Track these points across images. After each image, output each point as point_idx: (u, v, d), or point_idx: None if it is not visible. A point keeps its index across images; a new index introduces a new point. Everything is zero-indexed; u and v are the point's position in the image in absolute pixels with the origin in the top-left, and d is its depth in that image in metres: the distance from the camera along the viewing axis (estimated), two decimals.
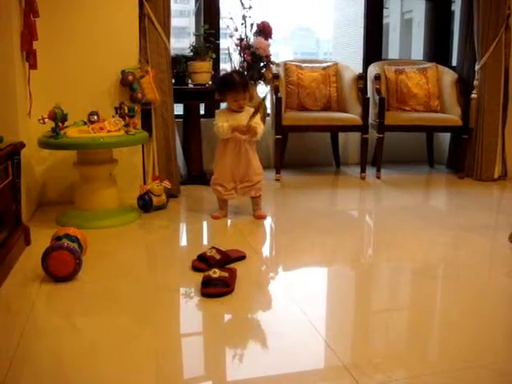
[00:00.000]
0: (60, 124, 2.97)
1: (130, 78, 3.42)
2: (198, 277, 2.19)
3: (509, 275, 2.37)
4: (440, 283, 2.32)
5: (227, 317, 1.95)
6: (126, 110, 3.17)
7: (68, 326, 1.85)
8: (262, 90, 4.55)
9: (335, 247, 2.80)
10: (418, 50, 5.52)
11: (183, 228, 3.21)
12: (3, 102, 2.89)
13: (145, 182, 3.60)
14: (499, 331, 1.84)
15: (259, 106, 3.04)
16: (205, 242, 2.95)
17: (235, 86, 3.04)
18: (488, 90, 4.41)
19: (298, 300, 2.05)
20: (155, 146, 3.66)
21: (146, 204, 3.34)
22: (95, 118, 3.05)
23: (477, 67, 4.45)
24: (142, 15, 3.51)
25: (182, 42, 5.22)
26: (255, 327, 1.84)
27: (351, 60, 5.17)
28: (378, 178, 4.50)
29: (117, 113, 3.18)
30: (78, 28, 3.40)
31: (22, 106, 3.08)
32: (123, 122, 3.08)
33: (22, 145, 2.66)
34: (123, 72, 3.42)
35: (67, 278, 2.21)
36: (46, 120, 2.92)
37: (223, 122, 3.07)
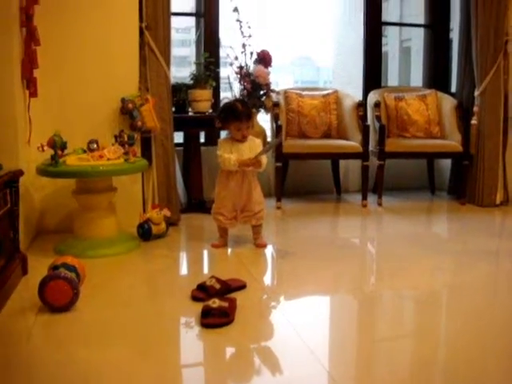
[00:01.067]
0: (59, 152, 2.96)
1: (130, 105, 3.42)
2: (198, 307, 2.16)
3: None
4: (444, 311, 2.29)
5: (227, 348, 1.92)
6: (126, 138, 3.16)
7: (65, 358, 1.81)
8: (263, 118, 4.57)
9: (337, 275, 2.78)
10: (417, 77, 5.54)
11: (183, 257, 3.19)
12: (3, 130, 2.89)
13: (144, 211, 3.58)
14: (505, 359, 1.80)
15: (267, 143, 3.11)
16: (205, 271, 2.93)
17: (239, 115, 3.02)
18: (488, 115, 4.41)
19: (299, 330, 2.02)
20: (155, 174, 3.64)
21: (145, 232, 3.32)
22: (95, 146, 3.05)
23: (476, 93, 4.46)
24: (143, 43, 3.53)
25: (183, 71, 5.24)
26: (256, 358, 1.81)
27: (351, 88, 5.19)
28: (380, 205, 4.48)
29: (116, 141, 3.17)
30: (79, 56, 3.41)
31: (22, 134, 3.07)
32: (123, 150, 3.07)
33: (21, 172, 2.65)
34: (123, 100, 3.43)
35: (64, 308, 2.18)
36: (46, 148, 2.92)
37: (229, 154, 3.04)
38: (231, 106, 3.10)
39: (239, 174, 3.08)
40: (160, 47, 3.56)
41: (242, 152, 3.05)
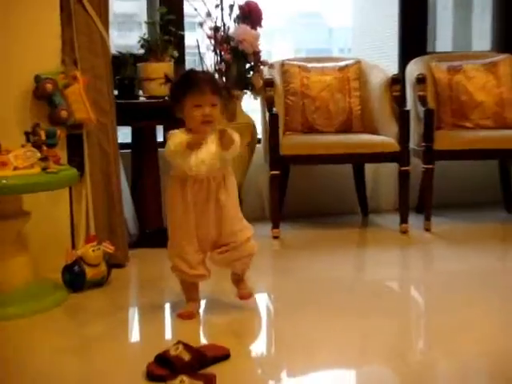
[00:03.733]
0: None
1: (49, 87, 3.40)
2: None
3: None
4: None
5: None
6: (43, 136, 3.15)
7: None
8: (251, 105, 4.56)
9: (365, 338, 2.77)
10: (481, 38, 5.55)
11: (134, 314, 3.19)
12: None
13: (74, 246, 3.57)
14: None
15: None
16: (167, 335, 2.93)
17: (196, 82, 2.90)
18: None
19: None
20: (89, 189, 3.63)
21: (75, 279, 3.31)
22: None
23: None
24: None
25: (128, 36, 5.24)
26: None
27: (380, 57, 5.20)
28: (428, 230, 4.49)
29: (29, 140, 3.15)
30: None
31: None
32: (39, 155, 3.05)
33: None
34: (38, 78, 3.41)
35: None
36: None
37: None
38: (185, 73, 3.06)
39: (198, 183, 2.91)
40: (93, 0, 3.57)
41: (205, 150, 2.87)
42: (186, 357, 2.34)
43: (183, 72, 3.06)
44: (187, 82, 2.90)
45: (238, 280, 3.10)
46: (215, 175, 2.91)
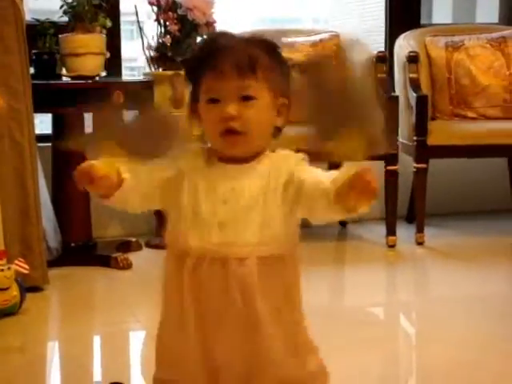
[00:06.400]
0: None
1: None
2: None
3: None
4: None
5: None
6: None
7: None
8: None
9: (347, 376, 2.70)
10: (488, 8, 5.58)
11: (53, 353, 3.19)
12: None
13: None
14: None
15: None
16: (96, 377, 2.91)
17: (213, 53, 1.85)
18: None
19: None
20: None
21: None
22: None
23: None
24: None
25: None
26: None
27: (364, 30, 5.21)
28: (420, 244, 4.50)
29: None
30: None
31: None
32: None
33: None
34: None
35: None
36: None
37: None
38: (206, 38, 2.49)
39: (214, 267, 1.82)
40: None
41: (233, 191, 1.85)
42: None
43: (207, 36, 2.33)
44: (202, 54, 1.96)
45: None
46: (250, 256, 1.82)
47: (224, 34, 1.96)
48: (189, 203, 1.83)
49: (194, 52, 2.27)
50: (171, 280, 1.89)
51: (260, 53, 1.87)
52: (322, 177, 1.82)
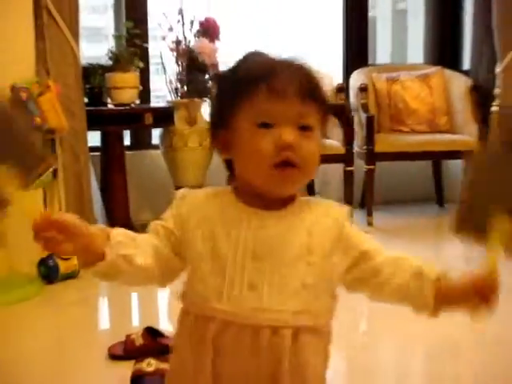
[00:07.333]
0: None
1: (24, 95, 3.37)
2: (124, 369, 2.13)
3: None
4: None
5: None
6: None
7: None
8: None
9: None
10: (416, 51, 5.59)
11: (104, 304, 3.21)
12: None
13: None
14: None
15: None
16: (135, 321, 2.93)
17: (269, 72, 1.23)
18: None
19: None
20: (62, 190, 3.61)
21: (50, 272, 3.29)
22: None
23: (498, 70, 4.52)
24: (39, 8, 3.50)
25: (97, 47, 5.20)
26: None
27: (326, 67, 5.23)
28: (370, 224, 4.52)
29: None
30: None
31: None
32: None
33: None
34: (14, 88, 3.39)
35: None
36: None
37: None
38: (241, 59, 1.33)
39: (244, 335, 1.21)
40: (64, 13, 3.56)
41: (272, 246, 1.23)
42: (139, 341, 2.32)
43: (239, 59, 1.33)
44: (243, 73, 1.27)
45: None
46: (285, 325, 1.21)
47: (264, 54, 1.32)
48: (206, 255, 1.22)
49: (230, 73, 1.32)
50: (187, 340, 1.24)
51: (318, 80, 1.27)
52: (402, 261, 1.41)
